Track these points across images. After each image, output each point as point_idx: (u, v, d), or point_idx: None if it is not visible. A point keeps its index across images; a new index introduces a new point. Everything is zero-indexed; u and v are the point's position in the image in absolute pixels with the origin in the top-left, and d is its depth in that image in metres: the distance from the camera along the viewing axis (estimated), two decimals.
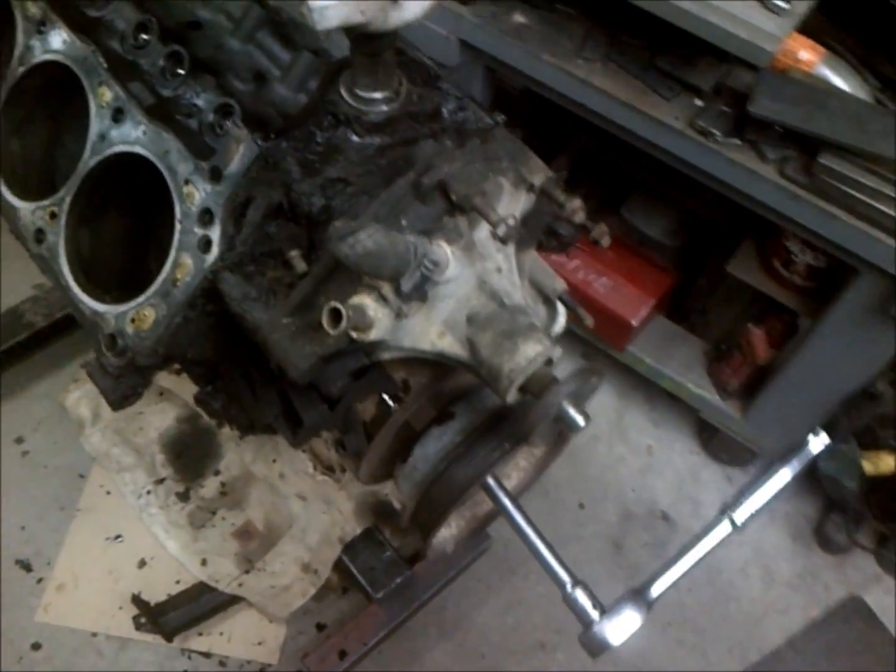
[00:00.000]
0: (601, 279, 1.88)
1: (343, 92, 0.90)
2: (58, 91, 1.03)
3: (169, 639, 1.73)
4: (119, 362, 0.87)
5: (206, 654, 1.78)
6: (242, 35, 0.94)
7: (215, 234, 0.84)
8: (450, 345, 0.89)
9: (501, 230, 0.83)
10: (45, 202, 0.97)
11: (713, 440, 2.10)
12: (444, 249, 0.84)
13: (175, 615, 1.75)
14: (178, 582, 1.83)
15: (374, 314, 0.81)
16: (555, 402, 0.82)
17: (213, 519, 1.87)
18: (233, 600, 1.76)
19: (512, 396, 0.85)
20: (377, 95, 0.90)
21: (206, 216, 0.85)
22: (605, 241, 0.95)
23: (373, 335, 0.81)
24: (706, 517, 2.04)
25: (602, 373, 0.92)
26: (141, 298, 0.90)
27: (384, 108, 0.91)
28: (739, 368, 1.85)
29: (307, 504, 1.78)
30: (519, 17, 1.55)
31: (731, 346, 1.88)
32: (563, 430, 1.04)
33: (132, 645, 1.78)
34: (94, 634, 1.79)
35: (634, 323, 1.86)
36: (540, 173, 0.95)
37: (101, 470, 1.95)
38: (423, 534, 1.06)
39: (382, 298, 0.82)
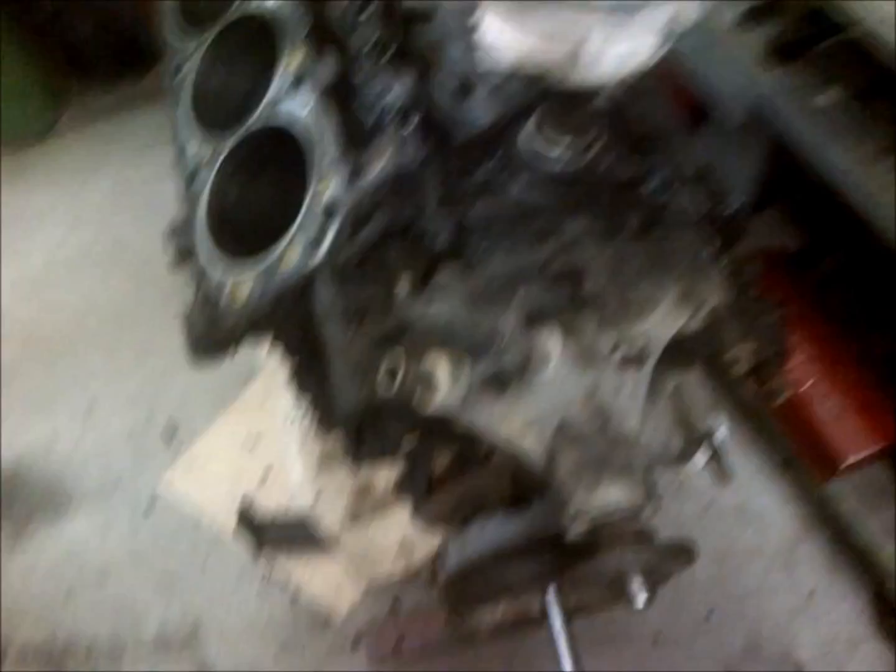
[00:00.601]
0: (828, 398, 1.61)
1: (528, 127, 0.78)
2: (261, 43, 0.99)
3: (257, 554, 1.78)
4: (203, 327, 0.85)
5: (285, 581, 1.82)
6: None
7: (331, 232, 0.77)
8: (528, 446, 0.77)
9: (624, 352, 0.70)
10: (214, 139, 0.94)
11: (892, 616, 1.79)
12: (551, 345, 0.73)
13: (272, 535, 1.80)
14: (287, 506, 1.88)
15: (442, 384, 0.72)
16: (615, 566, 0.69)
17: (340, 469, 1.88)
18: (325, 545, 1.77)
19: (573, 534, 0.75)
20: (559, 144, 0.77)
21: (329, 211, 0.77)
22: (778, 399, 0.78)
23: (433, 406, 0.73)
24: None
25: (692, 557, 0.77)
26: (248, 270, 0.85)
27: (564, 159, 0.78)
28: None
29: None
30: (826, 97, 1.30)
31: None
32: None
33: (226, 543, 1.87)
34: (201, 519, 1.89)
35: (849, 460, 1.59)
36: (716, 294, 0.79)
37: (265, 384, 2.02)
38: (450, 612, 0.99)
39: (455, 375, 0.73)
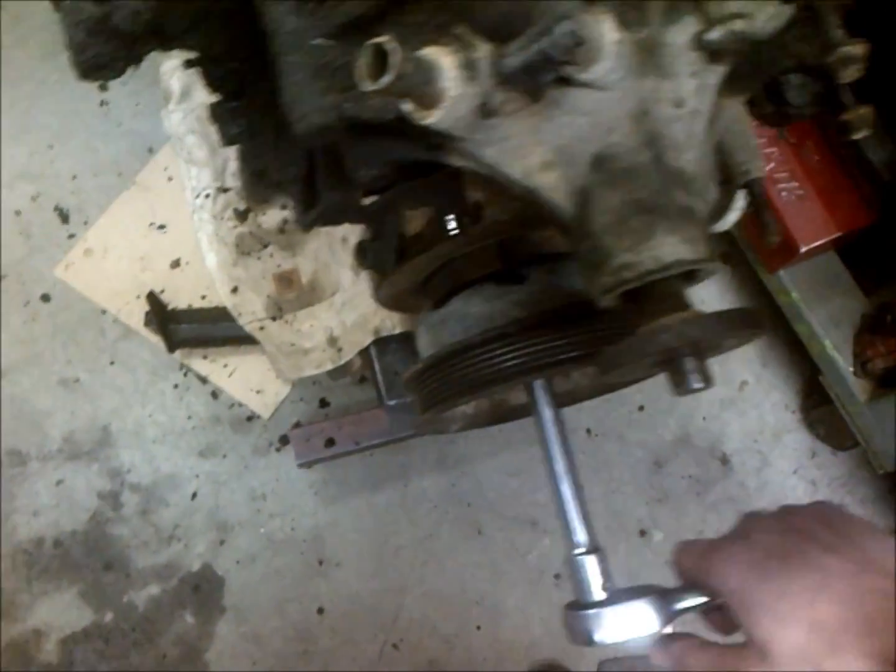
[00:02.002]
0: (791, 183, 1.57)
1: None
2: None
3: (171, 349, 1.67)
4: (95, 12, 0.66)
5: (203, 379, 1.73)
6: None
7: None
8: (552, 185, 0.61)
9: (715, 35, 0.58)
10: None
11: (818, 409, 1.86)
12: (606, 29, 0.55)
13: (186, 328, 1.68)
14: (203, 297, 1.76)
15: (447, 84, 0.54)
16: (665, 345, 0.57)
17: (262, 252, 1.75)
18: (246, 340, 1.67)
19: (607, 301, 0.60)
20: None
21: None
22: (860, 132, 0.69)
23: (434, 117, 0.55)
24: (767, 481, 1.85)
25: (763, 329, 0.63)
26: None
27: None
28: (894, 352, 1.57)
29: (358, 280, 1.64)
30: None
31: None
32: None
33: (134, 338, 1.75)
34: (104, 312, 1.75)
35: (802, 249, 1.57)
36: None
37: (171, 153, 1.83)
38: (420, 404, 0.88)
39: (469, 66, 0.55)
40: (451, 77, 0.55)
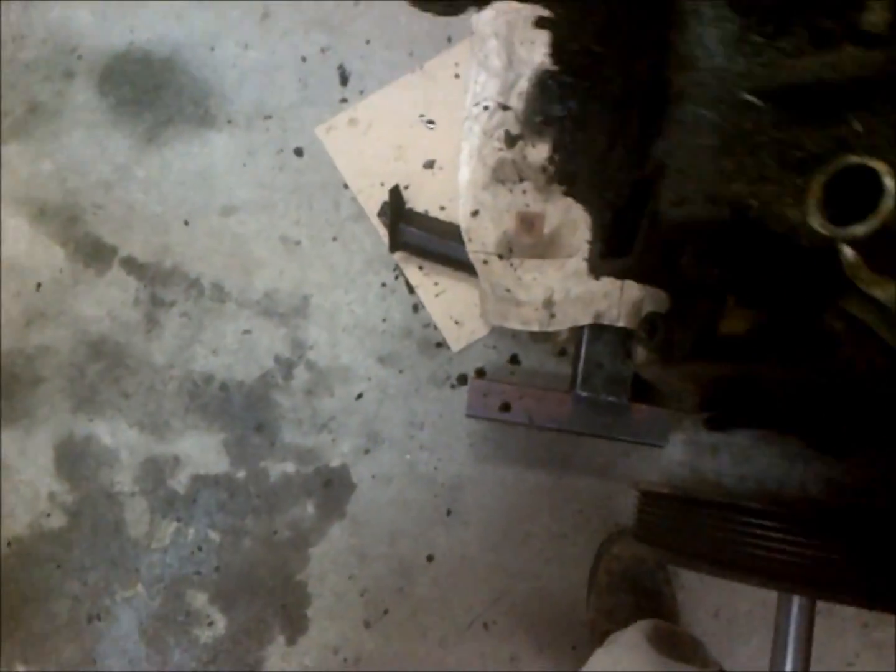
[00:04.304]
0: None
1: None
2: None
3: (393, 247, 1.68)
4: None
5: (410, 289, 1.74)
6: None
7: None
8: None
9: None
10: None
11: None
12: None
13: (415, 232, 1.69)
14: (442, 208, 1.75)
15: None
16: None
17: (516, 185, 1.70)
18: (465, 267, 1.65)
19: None
20: None
21: None
22: None
23: (889, 293, 0.39)
24: None
25: None
26: None
27: None
28: None
29: None
30: None
31: None
32: None
33: (364, 223, 1.78)
34: (346, 186, 1.79)
35: None
36: None
37: (468, 50, 1.79)
38: (636, 525, 0.72)
39: None
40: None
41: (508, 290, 1.65)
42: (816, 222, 0.37)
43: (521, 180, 1.71)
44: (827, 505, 0.59)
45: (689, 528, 0.66)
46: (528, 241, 1.66)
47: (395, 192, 1.69)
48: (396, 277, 1.75)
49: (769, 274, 0.52)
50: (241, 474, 1.76)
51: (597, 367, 1.50)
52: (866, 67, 0.42)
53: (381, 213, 1.74)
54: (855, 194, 0.36)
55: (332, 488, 1.72)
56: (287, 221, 1.80)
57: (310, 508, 1.73)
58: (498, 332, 1.70)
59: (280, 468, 1.74)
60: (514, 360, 1.70)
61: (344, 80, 1.83)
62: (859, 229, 0.35)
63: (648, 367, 0.74)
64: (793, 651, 0.65)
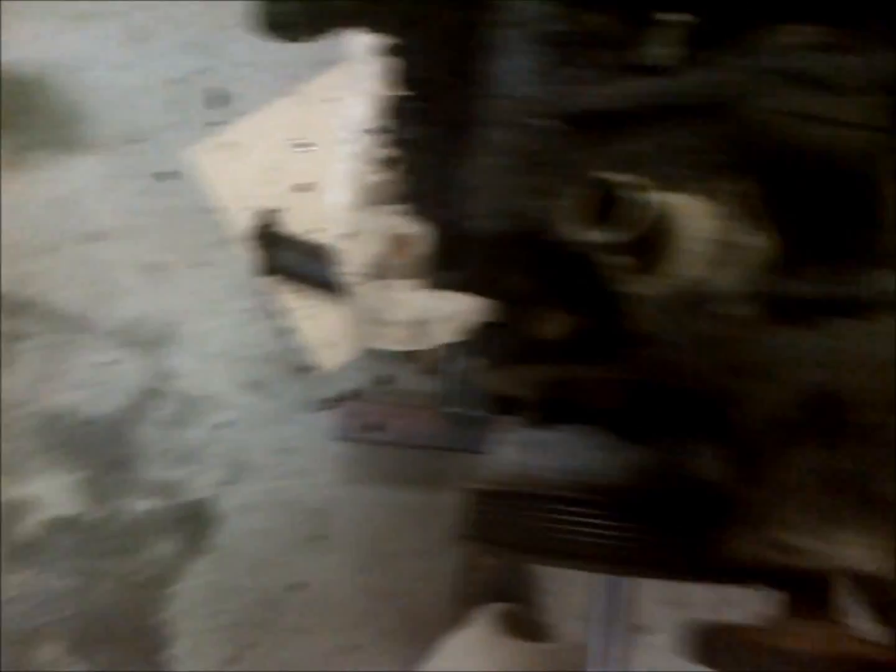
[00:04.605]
0: None
1: None
2: None
3: (265, 271, 1.66)
4: None
5: (282, 312, 1.71)
6: None
7: None
8: (737, 393, 0.47)
9: None
10: None
11: None
12: None
13: (287, 255, 1.67)
14: (315, 231, 1.73)
15: (688, 258, 0.41)
16: None
17: (388, 209, 1.68)
18: (337, 289, 1.63)
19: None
20: None
21: None
22: None
23: (652, 289, 0.43)
24: None
25: None
26: None
27: None
28: None
29: None
30: None
31: None
32: None
33: (235, 246, 1.74)
34: (216, 209, 1.76)
35: None
36: None
37: (347, 73, 1.80)
38: (472, 524, 0.76)
39: (731, 251, 0.42)
40: (695, 252, 0.41)
41: (380, 312, 1.63)
42: (570, 229, 0.41)
43: (393, 203, 1.71)
44: (629, 489, 0.64)
45: (513, 523, 0.69)
46: (399, 262, 1.66)
47: (268, 214, 1.67)
48: (267, 302, 1.71)
49: (573, 283, 0.57)
50: (100, 513, 1.66)
51: (463, 384, 1.50)
52: (644, 95, 0.46)
53: (252, 237, 1.71)
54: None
55: (197, 522, 1.64)
56: (155, 247, 1.75)
57: (173, 545, 1.64)
58: (370, 354, 1.68)
59: (142, 505, 1.66)
60: (387, 380, 1.68)
61: (218, 102, 1.81)
62: (610, 235, 0.38)
63: (484, 375, 0.78)
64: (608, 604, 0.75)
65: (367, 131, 1.73)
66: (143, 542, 1.64)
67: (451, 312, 1.59)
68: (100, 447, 1.68)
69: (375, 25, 0.63)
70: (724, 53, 0.46)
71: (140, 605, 1.62)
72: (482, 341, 0.74)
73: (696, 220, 0.41)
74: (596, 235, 0.38)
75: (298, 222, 1.73)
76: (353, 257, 1.66)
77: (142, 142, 1.79)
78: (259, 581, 1.61)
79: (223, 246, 1.74)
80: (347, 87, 1.79)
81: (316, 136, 1.78)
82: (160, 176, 1.77)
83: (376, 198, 1.73)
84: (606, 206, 0.38)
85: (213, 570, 1.62)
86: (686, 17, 0.46)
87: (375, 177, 1.69)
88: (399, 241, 1.67)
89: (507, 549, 0.73)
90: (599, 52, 0.50)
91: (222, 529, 1.63)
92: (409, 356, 1.64)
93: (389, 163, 1.69)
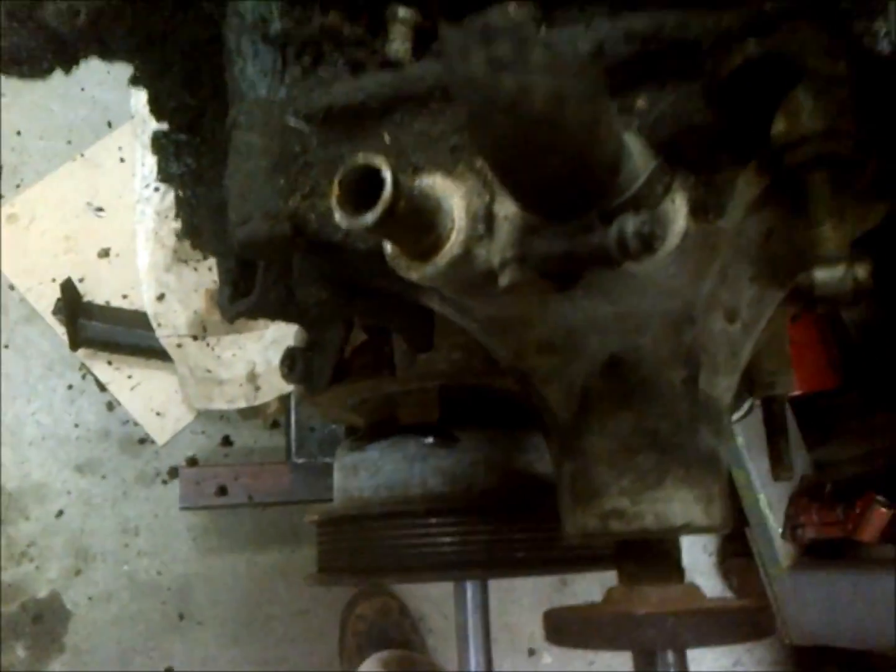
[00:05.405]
0: None
1: None
2: None
3: (74, 345, 1.56)
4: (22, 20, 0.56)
5: (102, 387, 1.62)
6: None
7: None
8: (545, 373, 0.51)
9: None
10: None
11: (736, 559, 1.81)
12: (678, 216, 0.41)
13: (97, 326, 1.58)
14: (124, 297, 1.65)
15: (450, 235, 0.42)
16: (648, 644, 0.48)
17: (200, 263, 1.66)
18: (159, 355, 1.57)
19: (574, 539, 0.51)
20: None
21: None
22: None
23: (421, 274, 0.44)
24: None
25: (768, 635, 0.53)
26: None
27: None
28: (828, 526, 1.52)
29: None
30: None
31: (840, 493, 1.53)
32: None
33: (38, 324, 1.65)
34: (11, 287, 1.64)
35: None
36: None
37: (131, 133, 1.73)
38: (317, 557, 0.78)
39: (486, 220, 0.43)
40: (460, 229, 0.43)
41: (209, 371, 1.59)
42: (338, 216, 0.39)
43: (206, 257, 1.66)
44: (445, 495, 0.67)
45: (345, 548, 0.72)
46: (220, 318, 1.62)
47: (69, 286, 1.57)
48: (84, 377, 1.63)
49: (366, 285, 0.58)
50: None
51: (309, 432, 1.49)
52: (385, 87, 0.48)
53: (56, 311, 1.61)
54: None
55: (44, 622, 1.54)
56: None
57: (20, 651, 1.53)
58: (205, 416, 1.63)
59: None
60: (226, 441, 1.64)
61: None
62: (369, 217, 0.37)
63: (305, 404, 0.81)
64: (474, 639, 0.69)
65: (166, 188, 1.68)
66: None
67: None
68: None
69: (107, 53, 0.58)
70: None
71: None
72: (292, 365, 0.74)
73: (452, 199, 0.43)
74: (361, 220, 0.38)
75: (107, 289, 1.65)
76: (172, 318, 1.61)
77: None
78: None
79: (27, 323, 1.63)
80: (135, 143, 1.73)
81: (111, 199, 1.70)
82: None
83: (187, 254, 1.69)
84: (369, 190, 0.38)
85: (74, 669, 1.53)
86: (412, 13, 0.48)
87: (179, 232, 1.65)
88: (215, 296, 1.63)
89: (346, 575, 0.75)
90: (337, 51, 0.51)
91: (76, 625, 1.53)
92: (249, 412, 1.61)
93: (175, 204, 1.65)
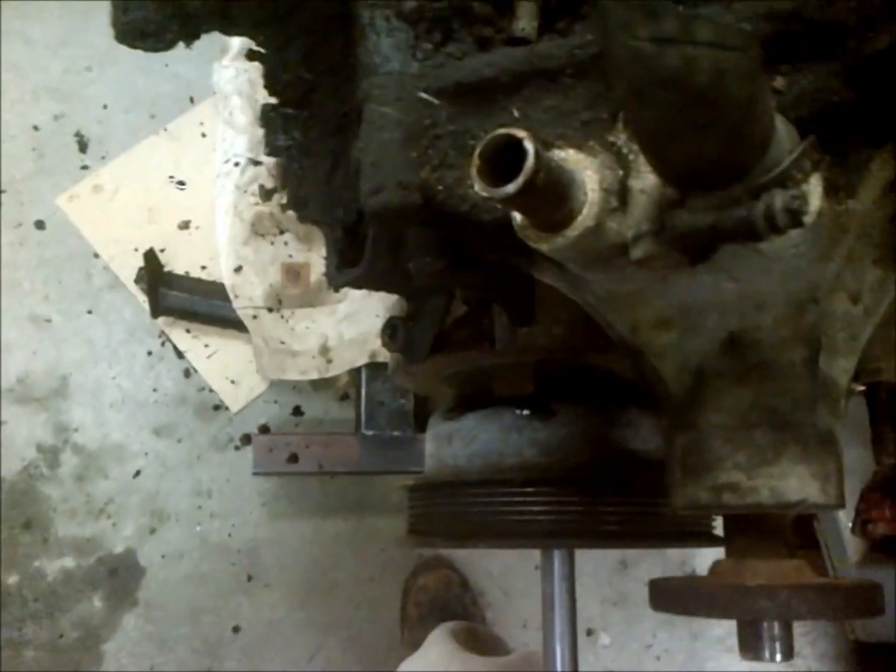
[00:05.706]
0: None
1: None
2: None
3: (155, 313, 1.61)
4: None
5: (179, 354, 1.67)
6: None
7: None
8: (661, 349, 0.51)
9: None
10: None
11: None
12: (814, 196, 0.40)
13: (177, 295, 1.63)
14: (203, 268, 1.70)
15: (583, 209, 0.43)
16: (762, 615, 0.49)
17: (276, 238, 1.69)
18: (235, 325, 1.61)
19: (683, 510, 0.52)
20: None
21: None
22: None
23: (551, 245, 0.44)
24: None
25: (880, 612, 0.55)
26: None
27: None
28: None
29: (369, 295, 1.59)
30: None
31: None
32: None
33: (121, 291, 1.70)
34: (96, 255, 1.69)
35: None
36: None
37: (212, 109, 1.77)
38: (407, 522, 0.80)
39: (620, 194, 0.43)
40: (593, 202, 0.43)
41: (282, 343, 1.63)
42: (478, 187, 0.40)
43: (282, 232, 1.70)
44: (541, 465, 0.69)
45: (438, 513, 0.74)
46: (296, 291, 1.66)
47: (151, 256, 1.63)
48: (163, 344, 1.68)
49: (478, 257, 0.58)
50: (12, 579, 1.59)
51: (379, 405, 1.52)
52: (515, 63, 0.48)
53: (138, 280, 1.66)
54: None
55: (119, 576, 1.60)
56: (34, 299, 1.68)
57: (97, 602, 1.59)
58: (277, 385, 1.67)
59: (57, 565, 1.60)
60: (297, 411, 1.68)
61: (83, 146, 1.74)
62: (510, 187, 0.38)
63: (400, 374, 0.81)
64: (559, 609, 0.71)
65: (246, 163, 1.72)
66: (66, 604, 1.58)
67: (357, 335, 1.61)
68: (4, 511, 1.60)
69: (231, 27, 0.60)
70: (577, 21, 0.50)
71: (70, 668, 1.57)
72: (394, 335, 0.77)
73: (585, 172, 0.44)
74: (503, 191, 0.38)
75: (187, 259, 1.70)
76: (248, 290, 1.65)
77: (9, 191, 1.70)
78: (195, 628, 1.59)
79: (110, 290, 1.69)
80: (217, 119, 1.77)
81: (193, 173, 1.74)
82: (33, 225, 1.69)
83: (264, 228, 1.72)
84: (507, 162, 0.39)
85: (145, 623, 1.59)
86: None
87: (261, 207, 1.69)
88: (293, 270, 1.67)
89: (439, 539, 0.78)
90: (465, 28, 0.52)
91: (149, 581, 1.60)
92: (320, 384, 1.64)
93: (277, 175, 1.68)
